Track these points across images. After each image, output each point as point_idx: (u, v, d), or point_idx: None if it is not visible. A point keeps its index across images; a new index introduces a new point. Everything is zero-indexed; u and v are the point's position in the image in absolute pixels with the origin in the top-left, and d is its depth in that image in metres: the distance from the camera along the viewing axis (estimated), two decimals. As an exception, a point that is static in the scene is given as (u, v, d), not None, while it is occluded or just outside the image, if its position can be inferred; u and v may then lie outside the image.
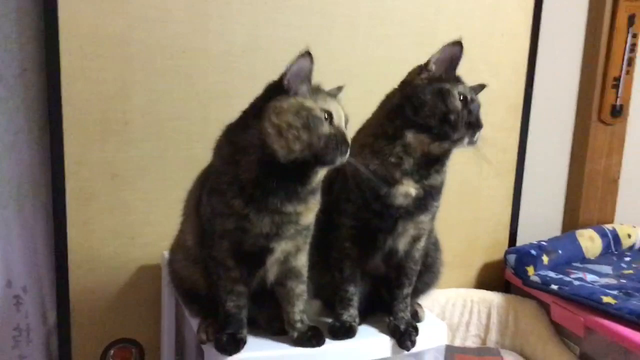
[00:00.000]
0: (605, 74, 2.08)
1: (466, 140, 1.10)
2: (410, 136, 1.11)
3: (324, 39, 1.71)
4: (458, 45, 1.13)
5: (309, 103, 1.00)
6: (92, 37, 1.49)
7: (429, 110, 1.09)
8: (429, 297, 1.86)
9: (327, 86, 1.70)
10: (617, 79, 2.09)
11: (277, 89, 1.02)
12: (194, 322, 1.25)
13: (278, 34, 1.65)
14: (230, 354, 1.10)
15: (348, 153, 1.02)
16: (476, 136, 1.10)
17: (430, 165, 1.14)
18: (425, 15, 1.83)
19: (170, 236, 1.31)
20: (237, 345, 1.11)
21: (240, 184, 1.02)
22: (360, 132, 1.21)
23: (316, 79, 1.67)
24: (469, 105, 1.10)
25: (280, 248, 1.08)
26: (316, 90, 1.04)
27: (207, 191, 1.09)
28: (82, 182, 1.54)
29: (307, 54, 1.00)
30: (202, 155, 1.13)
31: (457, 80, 1.14)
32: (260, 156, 1.01)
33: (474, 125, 1.09)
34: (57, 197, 1.53)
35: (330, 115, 1.01)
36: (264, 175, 1.01)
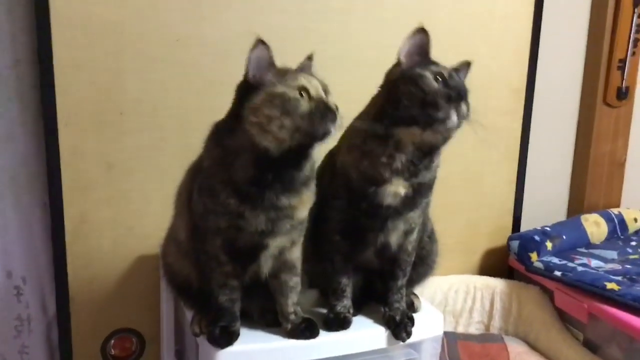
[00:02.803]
0: (610, 56, 2.04)
1: (454, 115, 1.05)
2: (399, 132, 1.08)
3: (319, 25, 1.69)
4: (422, 32, 1.11)
5: (279, 89, 0.98)
6: (85, 27, 1.47)
7: (407, 100, 1.06)
8: (431, 284, 1.87)
9: (324, 72, 1.70)
10: (623, 61, 2.04)
11: (246, 88, 1.00)
12: (189, 314, 1.24)
13: (273, 20, 1.62)
14: (223, 346, 1.09)
15: (338, 118, 0.99)
16: (462, 109, 1.06)
17: (425, 157, 1.11)
18: (423, -3, 1.79)
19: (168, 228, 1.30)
20: (229, 338, 1.10)
21: (235, 185, 1.01)
22: (350, 130, 1.18)
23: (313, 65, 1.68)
24: (448, 82, 1.06)
25: (275, 244, 1.07)
26: (284, 72, 1.01)
27: (198, 189, 1.07)
28: (78, 173, 1.54)
29: (259, 43, 0.99)
30: (199, 144, 1.11)
31: (429, 63, 1.10)
32: (254, 156, 0.99)
33: (455, 97, 1.05)
34: (53, 188, 1.53)
35: (304, 89, 0.99)
36: (261, 172, 1.00)
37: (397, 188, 1.11)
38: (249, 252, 1.08)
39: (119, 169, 1.57)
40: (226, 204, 1.02)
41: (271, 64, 1.00)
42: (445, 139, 1.10)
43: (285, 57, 1.62)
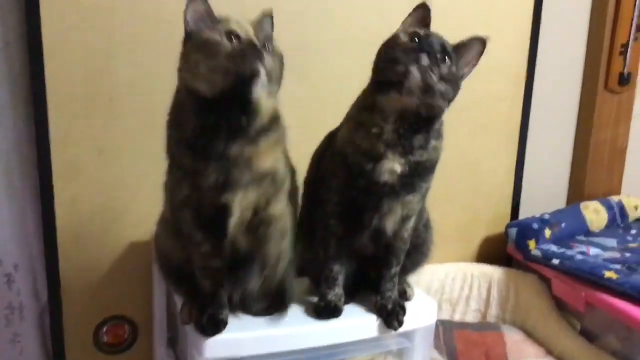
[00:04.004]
0: (612, 41, 2.00)
1: (415, 70, 1.02)
2: (381, 100, 1.07)
3: (318, 6, 1.66)
4: (423, 7, 1.12)
5: (205, 34, 0.99)
6: (74, 7, 1.44)
7: (380, 61, 1.08)
8: (428, 272, 1.85)
9: (323, 54, 1.68)
10: (625, 46, 2.01)
11: (186, 40, 1.03)
12: (180, 302, 1.23)
13: (266, 2, 1.59)
14: (210, 335, 1.08)
15: (264, 56, 0.99)
16: (423, 61, 1.02)
17: (411, 129, 1.08)
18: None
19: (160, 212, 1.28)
20: (217, 326, 1.08)
21: (186, 140, 1.02)
22: (351, 106, 1.18)
23: (312, 48, 1.65)
24: (422, 40, 1.04)
25: (239, 203, 1.04)
26: (218, 21, 1.01)
27: (168, 157, 1.09)
28: (69, 158, 1.51)
29: None
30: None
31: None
32: (192, 103, 1.01)
33: (416, 49, 1.03)
34: (43, 173, 1.51)
35: (231, 32, 0.99)
36: (202, 119, 1.00)
37: (393, 164, 1.09)
38: (216, 219, 1.05)
39: (109, 154, 1.54)
40: (183, 163, 1.03)
41: (208, 15, 1.01)
42: (427, 107, 1.05)
43: (282, 39, 1.61)
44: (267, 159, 1.04)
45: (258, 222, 1.08)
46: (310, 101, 1.64)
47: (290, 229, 1.13)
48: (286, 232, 1.12)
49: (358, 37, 1.69)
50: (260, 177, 1.04)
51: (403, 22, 1.12)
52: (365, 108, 1.11)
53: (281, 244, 1.11)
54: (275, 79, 1.03)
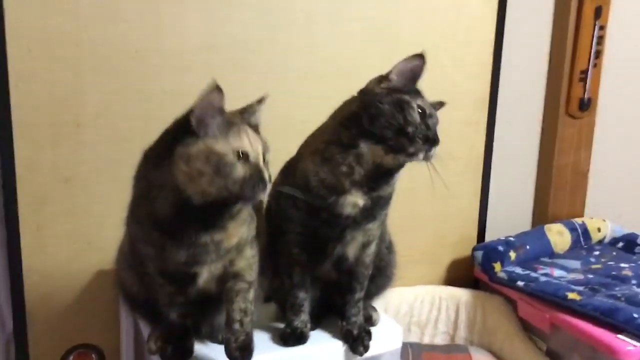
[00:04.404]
0: (572, 67, 2.05)
1: (421, 155, 1.06)
2: (364, 146, 1.07)
3: (282, 37, 1.68)
4: (420, 58, 1.09)
5: (219, 147, 0.93)
6: (41, 38, 1.44)
7: (386, 120, 1.05)
8: (397, 295, 1.87)
9: (287, 83, 1.69)
10: (585, 72, 2.06)
11: (185, 127, 0.94)
12: (146, 330, 1.22)
13: (234, 31, 1.61)
14: (176, 365, 1.08)
15: (268, 188, 0.97)
16: (432, 151, 1.07)
17: (381, 178, 1.11)
18: (386, 8, 1.79)
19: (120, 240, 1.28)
20: (183, 356, 1.08)
21: (156, 218, 0.98)
22: (313, 136, 1.18)
23: (276, 77, 1.67)
24: (427, 119, 1.07)
25: (208, 271, 1.05)
26: (229, 124, 0.96)
27: (130, 215, 1.06)
28: (35, 186, 1.50)
29: (217, 89, 0.93)
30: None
31: (417, 93, 1.10)
32: (174, 199, 0.95)
33: (431, 140, 1.06)
34: (9, 201, 1.49)
35: (244, 154, 0.94)
36: (178, 213, 0.97)
37: (356, 199, 1.11)
38: (183, 279, 1.06)
39: (76, 182, 1.54)
40: (149, 235, 1.00)
41: (220, 111, 0.94)
42: (400, 166, 1.11)
43: (248, 68, 1.63)
44: (234, 238, 1.04)
45: (226, 276, 1.08)
46: (316, 100, 1.64)
47: (255, 280, 1.12)
48: (253, 284, 1.11)
49: (320, 67, 1.73)
50: (227, 252, 1.04)
51: (395, 67, 1.11)
52: (335, 144, 1.10)
53: (247, 297, 1.10)
54: None
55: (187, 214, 0.96)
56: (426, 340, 1.91)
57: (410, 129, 1.05)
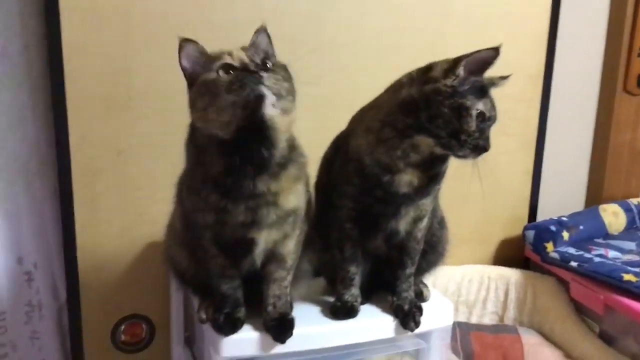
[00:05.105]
0: (631, 42, 1.98)
1: (470, 158, 1.07)
2: (418, 139, 1.07)
3: (331, 9, 1.66)
4: (495, 51, 1.05)
5: (202, 77, 0.98)
6: (93, 10, 1.46)
7: (443, 123, 1.04)
8: (445, 274, 1.85)
9: (335, 58, 1.68)
10: (644, 48, 1.99)
11: (189, 86, 1.02)
12: (196, 301, 1.23)
13: (284, 5, 1.60)
14: (227, 334, 1.08)
15: (264, 75, 0.95)
16: (479, 158, 1.07)
17: (436, 160, 1.10)
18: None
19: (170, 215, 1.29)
20: (234, 325, 1.09)
21: (213, 180, 1.00)
22: (366, 112, 1.16)
23: (324, 50, 1.65)
24: (483, 123, 1.05)
25: (264, 238, 1.05)
26: (212, 59, 0.99)
27: (185, 188, 1.08)
28: (88, 159, 1.53)
29: (183, 43, 0.99)
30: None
31: (482, 92, 1.07)
32: (214, 146, 0.99)
33: (481, 148, 1.06)
34: (63, 174, 1.52)
35: (227, 66, 0.96)
36: (228, 160, 0.98)
37: (412, 178, 1.10)
38: (239, 248, 1.07)
39: (128, 154, 1.56)
40: (209, 200, 1.01)
41: (201, 55, 1.00)
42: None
43: (295, 42, 1.62)
44: (290, 197, 1.04)
45: (271, 257, 1.10)
46: (325, 101, 1.63)
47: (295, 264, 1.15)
48: (291, 268, 1.13)
49: (369, 42, 1.70)
50: (285, 216, 1.05)
51: (466, 59, 1.05)
52: (390, 126, 1.09)
53: (283, 285, 1.12)
54: (286, 92, 0.98)
55: (233, 159, 0.98)
56: (474, 320, 1.88)
57: (463, 137, 1.04)
